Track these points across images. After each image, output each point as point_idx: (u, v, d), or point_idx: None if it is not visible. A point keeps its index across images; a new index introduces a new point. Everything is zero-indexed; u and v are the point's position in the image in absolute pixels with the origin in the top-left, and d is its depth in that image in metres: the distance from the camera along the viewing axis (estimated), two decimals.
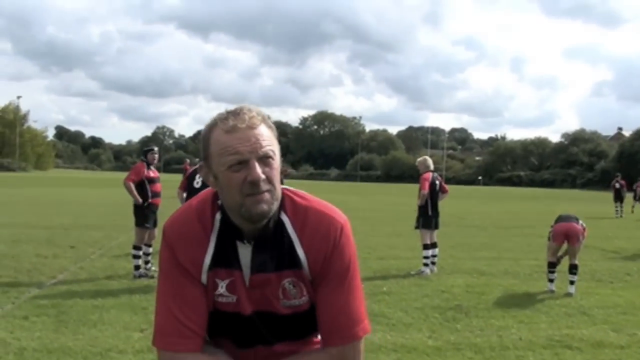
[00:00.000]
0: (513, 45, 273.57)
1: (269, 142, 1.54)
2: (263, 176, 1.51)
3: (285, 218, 1.63)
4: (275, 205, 1.57)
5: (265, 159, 1.52)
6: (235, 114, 1.54)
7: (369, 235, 13.91)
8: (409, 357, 4.95)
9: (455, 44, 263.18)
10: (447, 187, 9.80)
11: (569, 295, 7.52)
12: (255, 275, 1.61)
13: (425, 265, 8.99)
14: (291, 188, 1.69)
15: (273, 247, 1.61)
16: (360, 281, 1.70)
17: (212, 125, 1.57)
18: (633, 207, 26.52)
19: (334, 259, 1.63)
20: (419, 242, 9.40)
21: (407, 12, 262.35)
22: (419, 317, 6.24)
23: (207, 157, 1.58)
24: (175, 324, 1.58)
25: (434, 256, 9.17)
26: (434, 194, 9.30)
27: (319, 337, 1.73)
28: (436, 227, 9.38)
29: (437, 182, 9.41)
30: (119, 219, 16.01)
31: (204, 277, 1.62)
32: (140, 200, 8.39)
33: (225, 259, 1.62)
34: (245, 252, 1.62)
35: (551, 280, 7.82)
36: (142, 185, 8.52)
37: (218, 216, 1.62)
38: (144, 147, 9.32)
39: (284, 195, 1.64)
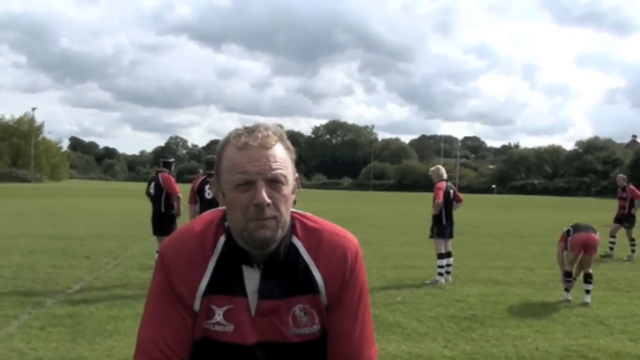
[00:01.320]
0: (525, 54, 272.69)
1: (282, 164, 1.46)
2: (269, 200, 1.42)
3: (297, 241, 1.55)
4: (280, 234, 1.48)
5: (274, 183, 1.44)
6: (250, 131, 1.47)
7: (383, 244, 13.90)
8: None
9: (466, 52, 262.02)
10: (461, 196, 9.77)
11: (585, 304, 7.46)
12: (263, 302, 1.53)
13: (440, 274, 8.95)
14: (299, 211, 1.61)
15: (284, 272, 1.53)
16: (369, 303, 1.67)
17: (226, 141, 1.50)
18: None
19: (350, 282, 1.58)
20: (433, 251, 9.37)
21: (417, 21, 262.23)
22: (434, 327, 6.22)
23: (218, 172, 1.51)
24: (155, 350, 1.52)
25: (448, 265, 9.14)
26: (448, 203, 9.28)
27: None
28: (451, 236, 9.35)
29: (451, 191, 9.41)
30: (133, 229, 16.10)
31: (197, 303, 1.54)
32: (180, 213, 9.01)
33: (224, 285, 1.53)
34: (252, 277, 1.53)
35: (567, 290, 7.76)
36: (173, 197, 9.09)
37: (222, 239, 1.54)
38: (166, 160, 9.56)
39: (292, 218, 1.56)
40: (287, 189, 1.47)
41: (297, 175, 1.56)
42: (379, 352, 5.56)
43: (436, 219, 9.27)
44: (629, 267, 11.22)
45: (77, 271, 9.09)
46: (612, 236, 12.86)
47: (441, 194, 9.19)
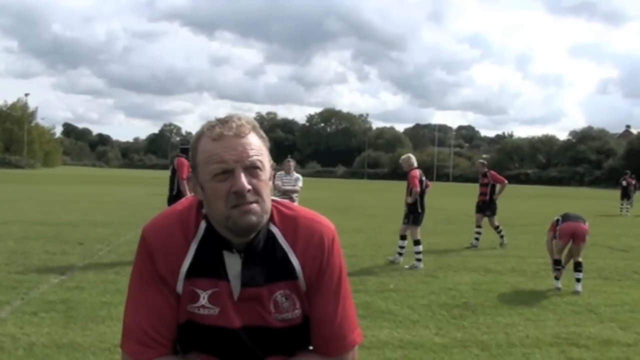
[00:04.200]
0: (518, 43, 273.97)
1: (258, 151, 1.48)
2: (249, 187, 1.44)
3: (275, 229, 1.57)
4: (265, 218, 1.51)
5: (252, 169, 1.46)
6: (224, 122, 1.49)
7: (376, 232, 13.96)
8: (415, 354, 4.95)
9: (459, 41, 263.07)
10: (429, 182, 10.16)
11: (576, 293, 7.51)
12: (245, 290, 1.54)
13: (419, 260, 9.19)
14: (276, 199, 1.62)
15: (264, 259, 1.55)
16: (349, 287, 1.68)
17: (200, 134, 1.51)
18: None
19: (328, 267, 1.59)
20: (425, 239, 9.42)
21: (411, 9, 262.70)
22: (425, 314, 6.25)
23: (194, 166, 1.52)
24: (141, 333, 1.54)
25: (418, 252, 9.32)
26: (422, 190, 9.51)
27: (312, 348, 1.67)
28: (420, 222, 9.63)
29: (424, 178, 9.66)
30: (126, 215, 16.09)
31: (179, 286, 1.55)
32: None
33: (207, 269, 1.54)
34: (233, 263, 1.54)
35: (557, 278, 7.83)
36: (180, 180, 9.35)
37: (203, 224, 1.55)
38: (184, 146, 9.75)
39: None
40: (265, 175, 1.50)
41: (272, 162, 1.57)
42: (371, 338, 5.57)
43: (412, 207, 9.47)
44: (620, 256, 11.29)
45: (70, 257, 9.08)
46: (478, 226, 12.32)
47: (417, 182, 9.40)
